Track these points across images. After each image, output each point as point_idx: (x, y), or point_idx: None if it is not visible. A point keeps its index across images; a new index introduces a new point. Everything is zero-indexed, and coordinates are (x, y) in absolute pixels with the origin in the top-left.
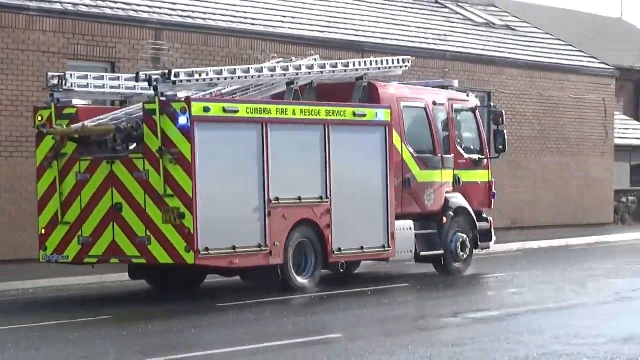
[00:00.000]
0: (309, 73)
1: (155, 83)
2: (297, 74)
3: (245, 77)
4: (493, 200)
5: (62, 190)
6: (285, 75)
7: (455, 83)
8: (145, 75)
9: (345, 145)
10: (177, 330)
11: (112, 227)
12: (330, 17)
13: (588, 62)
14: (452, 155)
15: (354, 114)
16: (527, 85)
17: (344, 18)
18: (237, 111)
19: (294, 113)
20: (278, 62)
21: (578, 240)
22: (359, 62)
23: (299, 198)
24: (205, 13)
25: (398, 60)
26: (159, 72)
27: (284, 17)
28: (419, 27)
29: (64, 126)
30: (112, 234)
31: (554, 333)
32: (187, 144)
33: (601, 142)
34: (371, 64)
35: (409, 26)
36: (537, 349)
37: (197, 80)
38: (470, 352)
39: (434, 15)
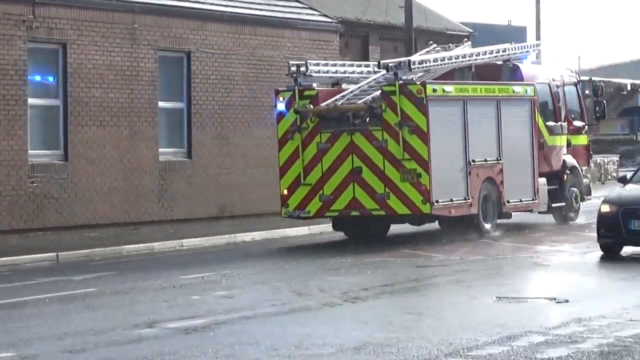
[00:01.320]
0: (476, 58)
1: (395, 69)
2: (475, 58)
3: (451, 63)
4: (590, 160)
5: (304, 157)
6: (469, 60)
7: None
8: (385, 64)
9: (509, 116)
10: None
11: (353, 186)
12: None
13: (307, 14)
14: (566, 122)
15: (513, 91)
16: (234, 44)
17: None
18: (451, 91)
19: (480, 91)
20: (436, 49)
21: (298, 230)
22: (506, 48)
23: (485, 160)
24: None
25: (532, 45)
26: (397, 60)
27: None
28: None
29: (311, 105)
30: (352, 192)
31: (272, 343)
32: (423, 117)
33: None
34: (514, 49)
35: None
36: None
37: (422, 67)
38: None
39: None
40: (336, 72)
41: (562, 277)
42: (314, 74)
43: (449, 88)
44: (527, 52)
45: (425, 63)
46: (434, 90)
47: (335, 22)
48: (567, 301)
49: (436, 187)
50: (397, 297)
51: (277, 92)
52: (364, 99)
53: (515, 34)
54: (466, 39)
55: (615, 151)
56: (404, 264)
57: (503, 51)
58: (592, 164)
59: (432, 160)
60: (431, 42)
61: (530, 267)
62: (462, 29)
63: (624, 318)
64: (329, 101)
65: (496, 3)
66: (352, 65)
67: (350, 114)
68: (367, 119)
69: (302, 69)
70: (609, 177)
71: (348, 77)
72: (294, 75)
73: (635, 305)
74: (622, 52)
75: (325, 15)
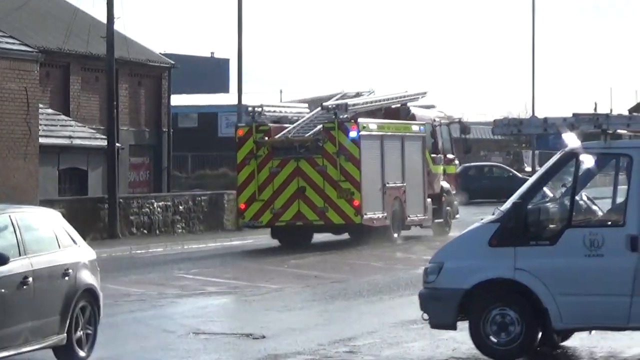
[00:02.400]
0: (387, 101)
1: (335, 110)
2: (388, 102)
3: (373, 105)
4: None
5: (259, 178)
6: (385, 102)
7: (435, 106)
8: (328, 106)
9: (409, 149)
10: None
11: (298, 202)
12: None
13: (7, 43)
14: (442, 155)
15: (412, 129)
16: None
17: None
18: (374, 128)
19: (391, 129)
20: (349, 96)
21: None
22: (404, 95)
23: (395, 183)
24: None
25: (420, 93)
26: (337, 102)
27: None
28: None
29: (266, 138)
30: (297, 206)
31: None
32: (357, 148)
33: (23, 141)
34: (409, 96)
35: None
36: None
37: (354, 109)
38: None
39: None
40: (281, 112)
41: (271, 311)
42: (266, 113)
43: (373, 126)
44: (417, 98)
45: (356, 106)
46: (364, 127)
47: (36, 52)
48: (263, 337)
49: (365, 203)
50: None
51: (237, 127)
52: (309, 133)
53: (218, 66)
54: (370, 88)
55: None
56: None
57: (402, 97)
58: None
59: (362, 182)
60: (342, 90)
61: (242, 302)
62: (164, 61)
63: (320, 354)
64: (281, 134)
65: (199, 35)
66: (289, 106)
67: (297, 145)
68: (311, 149)
69: (258, 109)
70: None
71: (287, 115)
72: (251, 114)
73: (331, 342)
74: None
75: (25, 44)
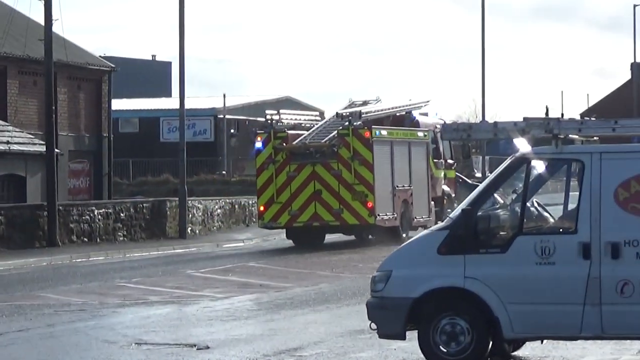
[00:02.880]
0: (394, 110)
1: (349, 117)
2: (395, 110)
3: (383, 113)
4: (457, 187)
5: (277, 182)
6: (392, 110)
7: (428, 113)
8: (342, 114)
9: (415, 154)
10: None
11: (314, 204)
12: None
13: None
14: (442, 160)
15: (417, 135)
16: None
17: None
18: (385, 134)
19: (399, 135)
20: (356, 104)
21: None
22: (409, 103)
23: (403, 186)
24: None
25: (423, 101)
26: (351, 111)
27: None
28: None
29: (285, 144)
30: (314, 208)
31: None
32: (370, 153)
33: None
34: (414, 104)
35: None
36: None
37: (367, 117)
38: None
39: None
40: (295, 119)
41: (215, 321)
42: (283, 121)
43: (384, 132)
44: (421, 106)
45: (368, 114)
46: (376, 134)
47: None
48: (207, 347)
49: (378, 204)
50: (30, 343)
51: (256, 134)
52: (325, 139)
53: (159, 68)
54: (377, 97)
55: None
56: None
57: (408, 105)
58: (236, 206)
59: (375, 184)
60: (350, 99)
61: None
62: (104, 64)
63: None
64: (298, 140)
65: (140, 38)
66: (302, 114)
67: (314, 150)
68: (327, 154)
69: (276, 117)
70: (254, 219)
71: (301, 123)
72: (269, 121)
73: (277, 352)
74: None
75: None
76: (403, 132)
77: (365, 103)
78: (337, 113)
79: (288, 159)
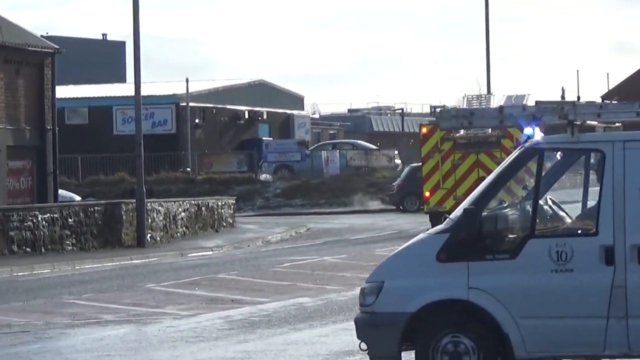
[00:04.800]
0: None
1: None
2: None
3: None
4: None
5: (442, 169)
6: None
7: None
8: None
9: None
10: None
11: None
12: None
13: None
14: None
15: None
16: None
17: None
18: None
19: None
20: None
21: None
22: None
23: None
24: None
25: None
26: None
27: None
28: None
29: (453, 134)
30: None
31: None
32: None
33: None
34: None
35: None
36: None
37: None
38: None
39: None
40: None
41: (179, 342)
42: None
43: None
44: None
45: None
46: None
47: None
48: None
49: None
50: None
51: (421, 125)
52: (489, 131)
53: (111, 49)
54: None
55: (232, 192)
56: None
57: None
58: (203, 208)
59: None
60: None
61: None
62: (47, 45)
63: None
64: (463, 131)
65: (88, 14)
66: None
67: (480, 140)
68: (491, 144)
69: (439, 109)
70: (224, 224)
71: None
72: (433, 113)
73: None
74: (237, 73)
75: None
76: None
77: (479, 97)
78: (500, 107)
79: (453, 147)
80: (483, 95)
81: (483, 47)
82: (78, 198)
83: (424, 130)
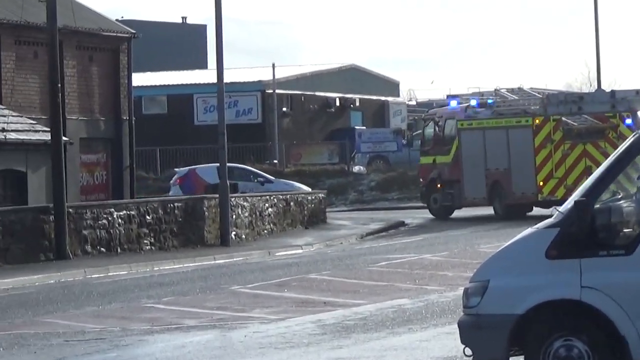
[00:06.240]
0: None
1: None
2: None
3: None
4: None
5: (554, 159)
6: None
7: None
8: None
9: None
10: None
11: (585, 179)
12: None
13: None
14: None
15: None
16: None
17: None
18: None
19: None
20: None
21: None
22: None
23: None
24: None
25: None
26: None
27: None
28: None
29: (575, 124)
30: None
31: None
32: (631, 133)
33: None
34: None
35: None
36: None
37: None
38: None
39: None
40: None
41: (268, 349)
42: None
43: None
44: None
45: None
46: (635, 116)
47: None
48: None
49: None
50: None
51: (534, 117)
52: (598, 122)
53: (192, 33)
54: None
55: (322, 185)
56: None
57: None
58: (292, 203)
59: None
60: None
61: None
62: (123, 30)
63: None
64: (572, 124)
65: None
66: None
67: (590, 131)
68: (597, 135)
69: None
70: (315, 220)
71: None
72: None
73: None
74: (325, 58)
75: None
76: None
77: (519, 90)
78: (612, 91)
79: (563, 138)
80: (515, 89)
81: (592, 26)
82: (307, 189)
83: (537, 121)
